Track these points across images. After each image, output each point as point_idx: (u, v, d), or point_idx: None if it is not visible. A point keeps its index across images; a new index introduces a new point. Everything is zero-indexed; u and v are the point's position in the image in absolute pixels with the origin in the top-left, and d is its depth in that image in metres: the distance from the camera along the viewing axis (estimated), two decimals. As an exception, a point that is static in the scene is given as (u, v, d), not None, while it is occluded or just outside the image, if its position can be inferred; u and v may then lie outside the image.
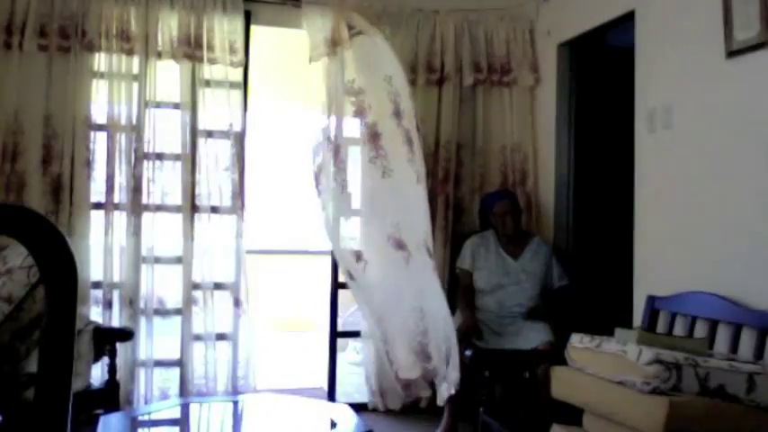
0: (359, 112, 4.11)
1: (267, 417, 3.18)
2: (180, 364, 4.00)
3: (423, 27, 4.34)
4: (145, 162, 3.94)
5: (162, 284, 4.00)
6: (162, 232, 4.00)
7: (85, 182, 3.85)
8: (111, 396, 3.29)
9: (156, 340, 3.96)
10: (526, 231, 4.12)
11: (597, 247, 4.22)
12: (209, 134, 4.07)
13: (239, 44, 4.05)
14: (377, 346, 4.07)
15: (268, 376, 4.93)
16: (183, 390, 3.97)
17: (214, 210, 4.06)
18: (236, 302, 4.08)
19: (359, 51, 4.10)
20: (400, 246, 3.94)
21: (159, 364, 3.98)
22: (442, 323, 3.73)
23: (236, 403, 3.48)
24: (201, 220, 4.01)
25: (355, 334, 4.48)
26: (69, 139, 3.83)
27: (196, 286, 4.00)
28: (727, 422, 2.15)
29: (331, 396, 4.29)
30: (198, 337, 4.00)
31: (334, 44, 4.08)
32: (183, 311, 3.99)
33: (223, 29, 4.02)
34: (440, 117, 4.35)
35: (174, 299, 4.02)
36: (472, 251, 3.98)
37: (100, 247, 3.88)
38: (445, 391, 3.58)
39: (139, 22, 3.90)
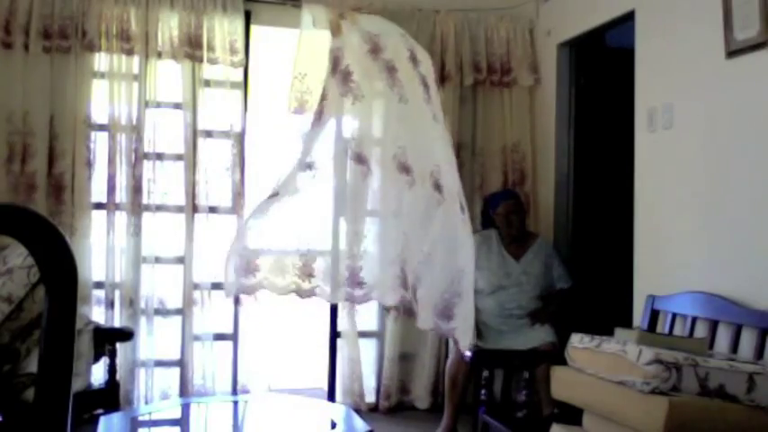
0: (374, 50, 3.86)
1: (267, 417, 3.18)
2: (180, 364, 4.00)
3: (423, 27, 4.34)
4: (145, 162, 3.95)
5: (162, 284, 4.00)
6: (162, 232, 4.00)
7: (86, 182, 3.86)
8: (111, 396, 3.29)
9: (157, 340, 3.96)
10: (529, 232, 4.11)
11: (597, 246, 4.21)
12: (210, 134, 4.07)
13: (239, 44, 4.05)
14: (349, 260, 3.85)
15: (268, 376, 4.93)
16: (183, 390, 3.98)
17: (214, 210, 4.07)
18: (237, 302, 4.08)
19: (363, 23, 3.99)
20: (405, 170, 3.71)
21: (159, 364, 3.99)
22: (441, 264, 3.49)
23: (236, 403, 3.48)
24: (202, 220, 4.02)
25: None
26: (70, 139, 3.84)
27: (196, 286, 4.01)
28: (727, 422, 2.15)
29: (331, 396, 4.29)
30: (198, 337, 4.00)
31: (335, 28, 4.06)
32: (184, 311, 3.99)
33: (223, 29, 4.02)
34: (440, 117, 4.35)
35: (174, 299, 4.02)
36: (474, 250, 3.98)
37: (101, 248, 3.89)
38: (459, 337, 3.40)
39: (139, 22, 3.90)
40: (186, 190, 4.00)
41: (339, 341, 4.35)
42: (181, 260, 4.01)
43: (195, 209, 4.01)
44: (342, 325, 4.31)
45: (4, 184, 3.73)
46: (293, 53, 4.05)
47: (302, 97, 3.92)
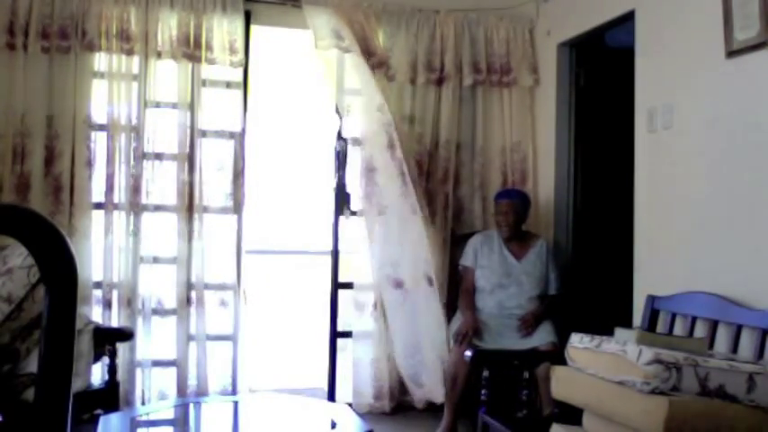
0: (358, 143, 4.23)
1: (267, 417, 3.18)
2: (179, 364, 4.00)
3: (423, 27, 4.34)
4: (144, 162, 3.94)
5: (161, 284, 4.00)
6: (161, 232, 4.00)
7: (86, 182, 3.86)
8: (111, 396, 3.29)
9: (155, 340, 3.96)
10: (530, 233, 4.09)
11: (597, 246, 4.21)
12: (209, 134, 4.07)
13: (239, 44, 4.05)
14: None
15: (268, 376, 4.93)
16: (183, 390, 3.97)
17: (213, 210, 4.07)
18: (236, 302, 4.08)
19: (352, 73, 4.19)
20: (398, 284, 4.06)
21: (158, 364, 3.98)
22: (434, 350, 3.94)
23: (235, 403, 3.48)
24: (201, 220, 4.01)
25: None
26: (70, 139, 3.84)
27: (195, 286, 4.00)
28: (727, 422, 2.15)
29: (331, 396, 4.29)
30: (197, 337, 3.99)
31: (340, 38, 4.11)
32: (182, 311, 3.99)
33: (223, 29, 4.02)
34: (439, 117, 4.35)
35: (172, 299, 4.01)
36: (475, 249, 3.98)
37: (100, 247, 3.88)
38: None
39: (139, 22, 3.90)
40: (185, 190, 3.99)
41: (339, 341, 4.35)
42: (180, 260, 4.01)
43: (194, 209, 4.01)
44: (343, 325, 4.32)
45: (5, 184, 3.74)
46: (330, 90, 4.25)
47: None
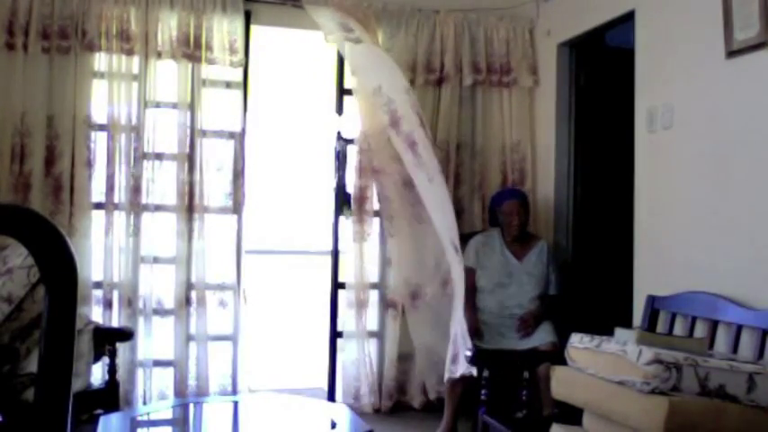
0: (394, 122, 4.01)
1: (267, 417, 3.18)
2: (179, 364, 4.00)
3: (423, 27, 4.34)
4: (145, 162, 3.95)
5: (161, 285, 4.00)
6: (161, 232, 4.00)
7: (86, 182, 3.86)
8: (111, 396, 3.29)
9: (155, 340, 3.96)
10: (532, 234, 4.09)
11: (597, 246, 4.22)
12: (209, 134, 4.07)
13: (239, 44, 4.05)
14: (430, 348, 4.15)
15: (268, 376, 4.93)
16: (182, 390, 3.97)
17: (213, 210, 4.07)
18: (236, 302, 4.08)
19: (371, 57, 4.10)
20: (456, 249, 3.85)
21: (158, 364, 3.98)
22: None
23: (235, 403, 3.48)
24: (201, 220, 4.02)
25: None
26: (70, 139, 3.84)
27: (195, 286, 4.01)
28: (727, 422, 2.15)
29: (331, 396, 4.29)
30: (197, 338, 4.00)
31: (349, 30, 4.07)
32: (182, 312, 3.99)
33: (223, 29, 4.02)
34: (439, 117, 4.35)
35: (172, 299, 4.01)
36: (477, 249, 3.98)
37: (100, 247, 3.89)
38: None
39: (139, 22, 3.90)
40: (185, 190, 4.00)
41: (339, 341, 4.35)
42: (180, 260, 4.01)
43: (194, 209, 4.01)
44: (342, 325, 4.32)
45: (4, 184, 3.74)
46: (357, 77, 4.14)
47: (389, 108, 3.99)
